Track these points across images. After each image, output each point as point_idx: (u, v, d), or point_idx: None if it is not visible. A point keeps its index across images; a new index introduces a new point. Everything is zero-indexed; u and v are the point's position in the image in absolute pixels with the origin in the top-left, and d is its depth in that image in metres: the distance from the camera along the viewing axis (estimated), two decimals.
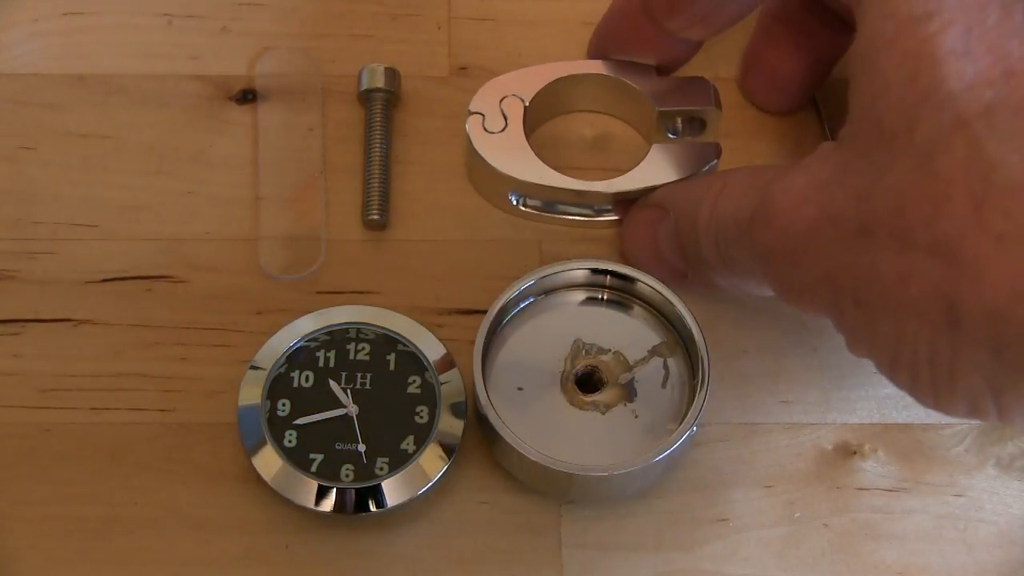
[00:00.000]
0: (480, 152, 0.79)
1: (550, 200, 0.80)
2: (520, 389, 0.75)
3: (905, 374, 0.63)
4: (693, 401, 0.73)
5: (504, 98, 0.80)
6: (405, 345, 0.76)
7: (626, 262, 0.77)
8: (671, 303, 0.75)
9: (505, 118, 0.80)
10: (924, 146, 0.59)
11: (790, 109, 0.84)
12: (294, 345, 0.75)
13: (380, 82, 0.82)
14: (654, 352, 0.76)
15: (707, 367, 0.73)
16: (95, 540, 0.73)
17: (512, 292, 0.75)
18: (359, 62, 0.84)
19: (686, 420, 0.72)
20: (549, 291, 0.77)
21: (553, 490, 0.74)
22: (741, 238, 0.68)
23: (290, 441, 0.74)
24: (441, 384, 0.75)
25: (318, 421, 0.74)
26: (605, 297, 0.77)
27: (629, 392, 0.75)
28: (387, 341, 0.76)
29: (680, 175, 0.79)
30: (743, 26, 0.85)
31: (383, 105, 0.82)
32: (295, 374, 0.75)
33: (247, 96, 0.84)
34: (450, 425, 0.74)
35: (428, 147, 0.83)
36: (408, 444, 0.74)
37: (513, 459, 0.73)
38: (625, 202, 0.79)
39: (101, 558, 0.72)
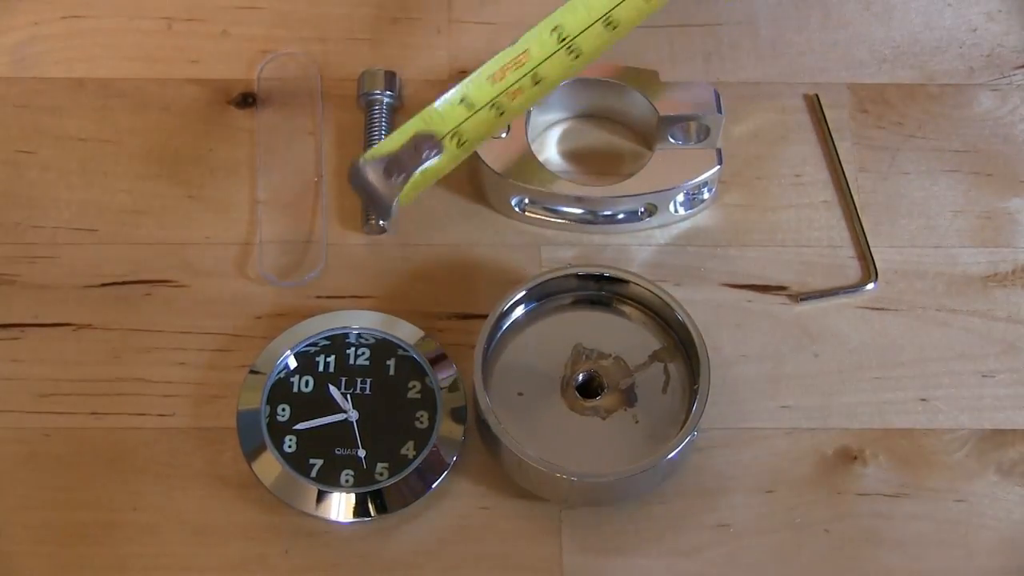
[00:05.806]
0: (482, 156, 0.79)
1: (552, 205, 0.80)
2: (520, 394, 0.75)
3: None
4: (694, 406, 0.73)
5: None
6: (405, 350, 0.76)
7: None
8: (672, 308, 0.75)
9: (508, 123, 0.80)
10: None
11: None
12: (294, 350, 0.75)
13: (380, 86, 0.82)
14: (655, 357, 0.76)
15: (708, 372, 0.73)
16: (94, 545, 0.73)
17: (513, 297, 0.75)
18: (359, 66, 0.83)
19: (687, 425, 0.72)
20: (550, 296, 0.77)
21: (554, 495, 0.74)
22: None
23: (290, 446, 0.73)
24: (441, 389, 0.75)
25: (318, 426, 0.74)
26: (606, 302, 0.77)
27: (629, 397, 0.75)
28: (387, 346, 0.76)
29: (681, 181, 0.79)
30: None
31: (383, 109, 0.82)
32: (295, 379, 0.75)
33: (247, 100, 0.84)
34: (450, 430, 0.74)
35: None
36: (408, 449, 0.73)
37: (514, 464, 0.72)
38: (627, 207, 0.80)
39: (100, 563, 0.72)
